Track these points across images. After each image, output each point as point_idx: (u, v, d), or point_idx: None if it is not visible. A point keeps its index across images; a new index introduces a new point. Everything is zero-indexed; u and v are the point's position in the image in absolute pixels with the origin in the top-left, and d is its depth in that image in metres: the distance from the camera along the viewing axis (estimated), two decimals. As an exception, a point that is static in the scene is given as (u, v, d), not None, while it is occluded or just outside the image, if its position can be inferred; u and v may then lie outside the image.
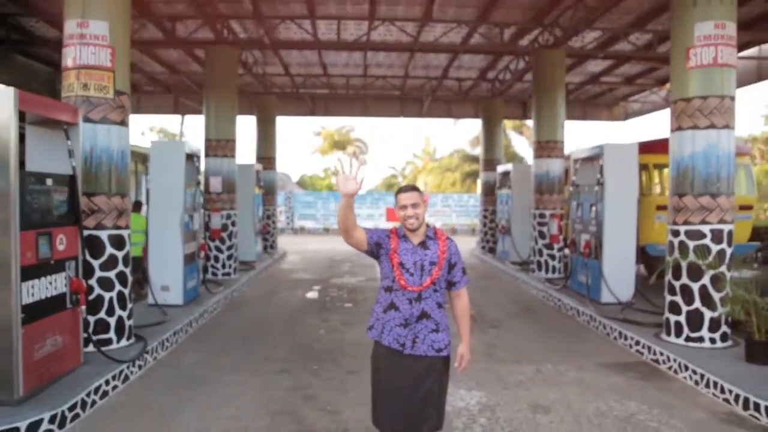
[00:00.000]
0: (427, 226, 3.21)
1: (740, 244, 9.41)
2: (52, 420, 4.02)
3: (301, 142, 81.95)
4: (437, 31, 11.26)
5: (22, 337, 4.09)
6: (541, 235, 11.13)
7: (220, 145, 10.87)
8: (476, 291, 10.22)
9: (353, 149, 38.40)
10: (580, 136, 73.58)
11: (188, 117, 21.56)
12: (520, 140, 33.07)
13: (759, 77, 12.63)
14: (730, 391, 4.71)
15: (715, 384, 4.91)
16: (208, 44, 11.01)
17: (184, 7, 9.90)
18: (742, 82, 12.98)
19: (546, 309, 8.95)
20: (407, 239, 3.14)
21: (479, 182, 17.51)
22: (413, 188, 3.18)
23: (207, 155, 10.74)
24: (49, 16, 10.34)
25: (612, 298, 8.01)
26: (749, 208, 10.31)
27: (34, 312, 4.27)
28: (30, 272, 4.23)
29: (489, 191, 16.11)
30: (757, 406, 4.41)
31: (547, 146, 11.14)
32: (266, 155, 16.04)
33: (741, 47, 11.76)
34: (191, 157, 8.48)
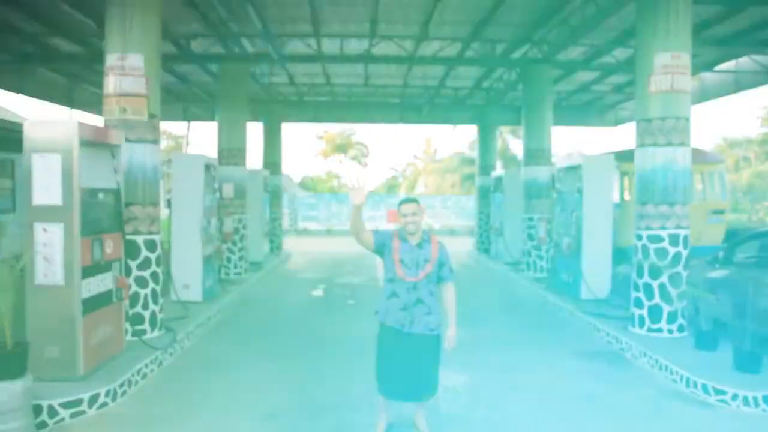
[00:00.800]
0: (423, 231, 4.11)
1: (714, 246, 10.26)
2: (107, 394, 4.87)
3: (304, 144, 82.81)
4: (434, 46, 12.03)
5: (82, 326, 4.93)
6: (531, 237, 11.94)
7: (231, 154, 11.70)
8: (470, 289, 11.03)
9: (354, 152, 39.20)
10: (573, 141, 74.38)
11: (194, 123, 22.36)
12: (517, 143, 33.89)
13: (736, 88, 13.43)
14: (677, 372, 5.54)
15: (666, 367, 5.73)
16: (220, 58, 11.81)
17: (199, 26, 10.72)
18: (721, 93, 13.89)
19: (532, 305, 9.76)
20: (406, 241, 4.04)
21: (476, 186, 18.27)
22: (413, 200, 4.09)
23: (220, 163, 11.52)
24: (71, 33, 11.13)
25: (590, 295, 8.83)
26: (722, 212, 11.16)
27: (91, 305, 5.11)
28: (87, 271, 5.07)
29: (484, 195, 16.87)
30: (695, 384, 5.24)
31: (535, 154, 11.94)
32: (272, 161, 16.83)
33: (718, 61, 12.60)
34: (209, 168, 9.31)
